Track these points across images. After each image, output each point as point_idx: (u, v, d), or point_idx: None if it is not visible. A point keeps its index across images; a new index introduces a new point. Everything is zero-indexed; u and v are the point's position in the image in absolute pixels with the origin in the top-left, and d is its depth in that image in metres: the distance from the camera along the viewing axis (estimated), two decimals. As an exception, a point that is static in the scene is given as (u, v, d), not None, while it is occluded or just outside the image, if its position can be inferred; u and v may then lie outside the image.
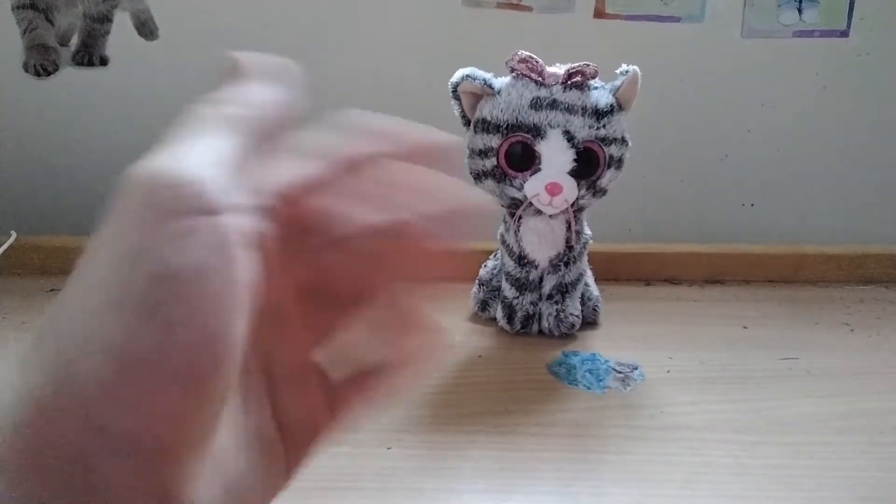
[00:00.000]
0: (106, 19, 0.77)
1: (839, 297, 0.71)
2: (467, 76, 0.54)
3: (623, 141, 0.56)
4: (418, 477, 0.43)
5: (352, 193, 0.21)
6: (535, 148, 0.53)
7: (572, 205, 0.55)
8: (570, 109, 0.53)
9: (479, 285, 0.65)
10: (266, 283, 0.19)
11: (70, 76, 0.78)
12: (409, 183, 0.22)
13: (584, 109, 0.53)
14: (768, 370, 0.57)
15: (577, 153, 0.53)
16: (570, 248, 0.59)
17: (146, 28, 0.77)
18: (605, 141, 0.54)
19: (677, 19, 0.77)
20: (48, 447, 0.15)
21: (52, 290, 0.68)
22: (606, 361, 0.57)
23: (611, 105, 0.54)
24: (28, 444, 0.16)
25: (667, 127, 0.81)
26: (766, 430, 0.48)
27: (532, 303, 0.61)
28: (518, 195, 0.55)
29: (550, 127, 0.53)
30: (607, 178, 0.56)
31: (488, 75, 0.55)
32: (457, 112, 0.57)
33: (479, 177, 0.57)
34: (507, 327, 0.61)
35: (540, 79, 0.54)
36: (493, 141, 0.54)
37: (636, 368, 0.56)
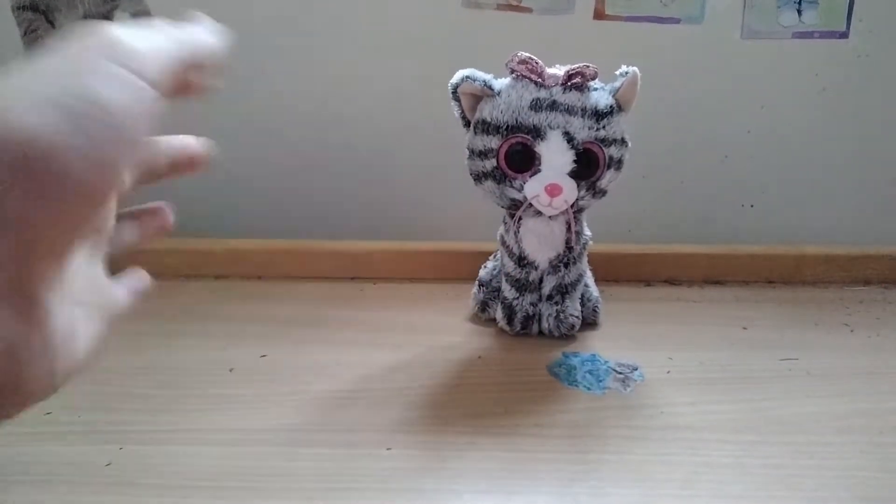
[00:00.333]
0: (106, 20, 0.77)
1: (839, 298, 0.72)
2: (467, 77, 0.54)
3: (623, 142, 0.56)
4: (418, 477, 0.43)
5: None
6: (535, 149, 0.53)
7: (572, 206, 0.55)
8: (569, 110, 0.53)
9: (479, 286, 0.65)
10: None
11: (70, 77, 0.78)
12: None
13: (584, 110, 0.53)
14: (768, 370, 0.57)
15: (577, 154, 0.54)
16: (569, 248, 0.59)
17: (146, 29, 0.77)
18: (605, 142, 0.54)
19: (677, 20, 0.77)
20: None
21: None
22: (606, 362, 0.57)
23: (611, 106, 0.55)
24: None
25: (666, 128, 0.81)
26: (766, 430, 0.48)
27: (532, 304, 0.61)
28: (518, 196, 0.55)
29: (550, 128, 0.53)
30: (607, 179, 0.56)
31: (488, 76, 0.55)
32: (456, 113, 0.57)
33: (478, 178, 0.57)
34: (506, 328, 0.61)
35: (540, 80, 0.54)
36: (493, 142, 0.54)
37: (636, 369, 0.56)
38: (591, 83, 0.55)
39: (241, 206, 0.83)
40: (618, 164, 0.56)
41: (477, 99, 0.56)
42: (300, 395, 0.52)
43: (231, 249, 0.73)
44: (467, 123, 0.57)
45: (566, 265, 0.60)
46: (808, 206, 0.84)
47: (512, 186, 0.55)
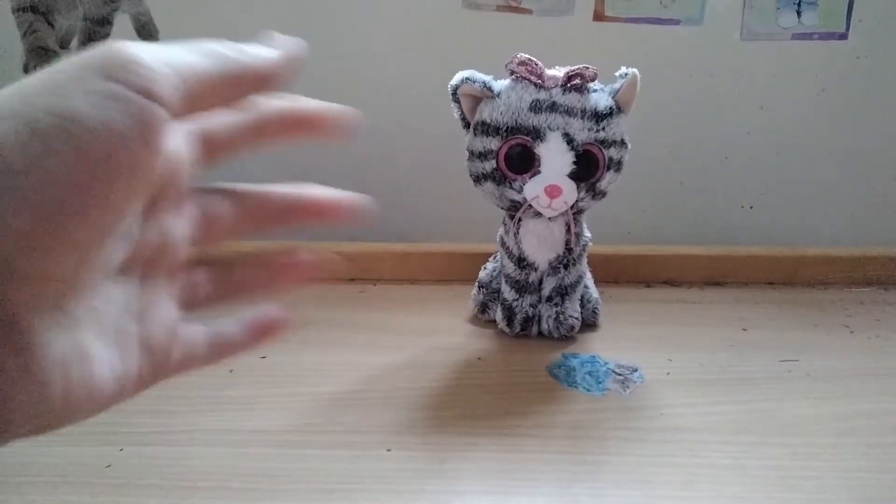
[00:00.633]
0: (106, 22, 0.77)
1: (839, 299, 0.72)
2: (467, 79, 0.54)
3: (622, 143, 0.56)
4: (418, 478, 0.43)
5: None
6: (535, 150, 0.54)
7: (572, 207, 0.56)
8: (569, 112, 0.53)
9: (479, 287, 0.65)
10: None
11: (70, 79, 0.78)
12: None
13: (584, 112, 0.54)
14: (768, 372, 0.57)
15: (577, 155, 0.54)
16: (569, 250, 0.59)
17: (146, 31, 0.77)
18: (605, 143, 0.54)
19: (676, 22, 0.77)
20: None
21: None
22: (606, 363, 0.57)
23: (610, 107, 0.55)
24: None
25: (666, 129, 0.81)
26: (765, 431, 0.48)
27: (532, 305, 0.61)
28: (517, 197, 0.55)
29: (550, 129, 0.53)
30: (607, 181, 0.56)
31: (488, 78, 0.55)
32: (456, 115, 0.57)
33: (478, 179, 0.57)
34: (506, 329, 0.61)
35: (539, 81, 0.54)
36: (493, 143, 0.54)
37: (636, 370, 0.56)
38: (591, 84, 0.55)
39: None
40: (617, 165, 0.56)
41: (477, 100, 0.56)
42: (300, 396, 0.52)
43: (231, 251, 0.73)
44: (467, 125, 0.57)
45: (566, 266, 0.60)
46: (807, 207, 0.85)
47: (511, 188, 0.55)
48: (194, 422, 0.49)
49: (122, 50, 0.19)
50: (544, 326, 0.61)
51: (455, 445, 0.46)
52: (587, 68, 0.54)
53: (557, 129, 0.53)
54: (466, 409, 0.51)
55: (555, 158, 0.53)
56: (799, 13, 0.77)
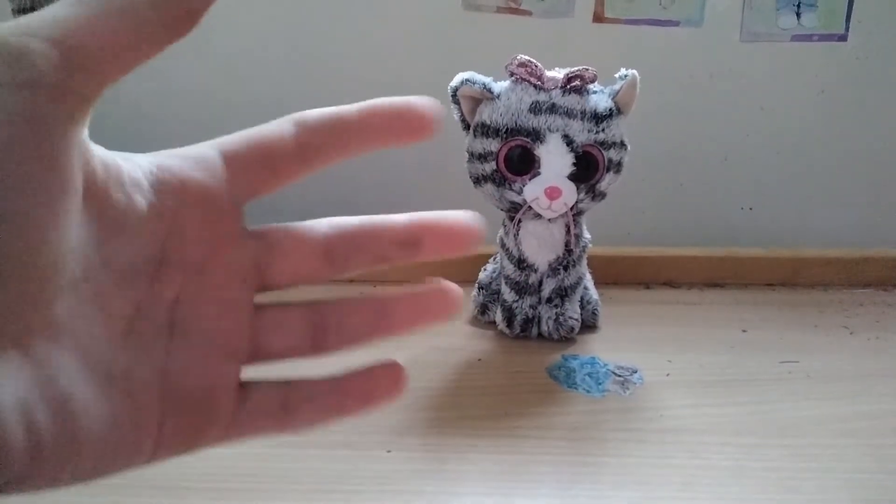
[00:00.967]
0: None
1: (838, 301, 0.72)
2: (467, 80, 0.55)
3: (622, 145, 0.56)
4: (418, 480, 0.43)
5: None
6: (535, 152, 0.54)
7: (571, 208, 0.56)
8: (569, 113, 0.53)
9: (479, 289, 0.65)
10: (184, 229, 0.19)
11: (70, 80, 0.78)
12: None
13: (584, 113, 0.54)
14: (768, 373, 0.57)
15: (577, 157, 0.54)
16: (569, 251, 0.59)
17: (146, 32, 0.77)
18: (605, 145, 0.54)
19: (676, 23, 0.77)
20: None
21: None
22: (606, 365, 0.57)
23: (610, 109, 0.55)
24: None
25: (666, 131, 0.81)
26: (765, 433, 0.48)
27: (531, 306, 0.61)
28: (517, 199, 0.55)
29: (550, 131, 0.53)
30: (606, 182, 0.56)
31: (488, 79, 0.55)
32: (456, 116, 0.57)
33: (478, 180, 0.57)
34: (506, 331, 0.61)
35: (539, 83, 0.54)
36: (493, 145, 0.54)
37: (635, 372, 0.56)
38: (591, 86, 0.55)
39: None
40: (617, 166, 0.56)
41: (476, 102, 0.56)
42: (300, 397, 0.52)
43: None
44: (467, 126, 0.57)
45: (566, 268, 0.60)
46: (807, 208, 0.85)
47: (511, 189, 0.55)
48: (194, 423, 0.49)
49: None
50: (544, 328, 0.61)
51: (455, 446, 0.46)
52: (587, 70, 0.54)
53: (557, 130, 0.53)
54: (466, 410, 0.51)
55: (554, 160, 0.54)
56: (798, 14, 0.77)
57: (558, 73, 0.55)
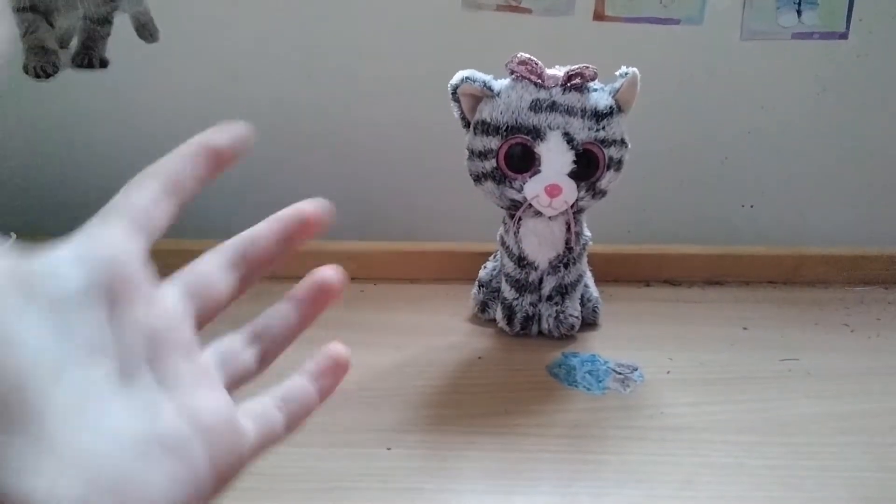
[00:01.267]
0: (106, 21, 0.77)
1: (839, 298, 0.72)
2: (467, 78, 0.54)
3: (622, 142, 0.56)
4: (418, 477, 0.43)
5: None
6: (535, 150, 0.54)
7: (572, 206, 0.56)
8: (569, 111, 0.53)
9: (479, 287, 0.65)
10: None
11: (70, 78, 0.78)
12: None
13: (584, 111, 0.54)
14: (768, 371, 0.57)
15: (577, 155, 0.54)
16: (569, 249, 0.59)
17: (146, 30, 0.77)
18: (605, 143, 0.54)
19: (676, 21, 0.77)
20: None
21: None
22: (606, 362, 0.57)
23: (610, 107, 0.55)
24: None
25: (666, 129, 0.81)
26: (766, 430, 0.48)
27: (532, 304, 0.61)
28: (518, 197, 0.55)
29: (550, 129, 0.53)
30: (607, 180, 0.56)
31: (488, 77, 0.55)
32: (456, 114, 0.57)
33: (478, 178, 0.57)
34: (506, 328, 0.61)
35: (539, 81, 0.54)
36: (493, 143, 0.54)
37: (636, 369, 0.56)
38: (591, 84, 0.55)
39: (241, 207, 0.83)
40: (617, 164, 0.56)
41: (477, 100, 0.56)
42: (300, 395, 0.52)
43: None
44: (467, 124, 0.57)
45: (566, 265, 0.60)
46: (808, 206, 0.84)
47: (512, 187, 0.55)
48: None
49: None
50: (544, 325, 0.61)
51: (455, 444, 0.46)
52: (587, 68, 0.54)
53: (557, 128, 0.53)
54: (466, 407, 0.51)
55: (555, 158, 0.53)
56: (799, 13, 0.77)
57: (559, 71, 0.54)
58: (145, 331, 0.22)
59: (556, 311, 0.60)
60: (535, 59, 0.54)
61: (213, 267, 0.25)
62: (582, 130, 0.53)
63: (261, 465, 0.44)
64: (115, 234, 0.22)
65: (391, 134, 0.81)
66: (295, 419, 0.27)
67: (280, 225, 0.27)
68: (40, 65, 0.78)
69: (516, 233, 0.59)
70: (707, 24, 0.77)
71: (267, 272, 0.27)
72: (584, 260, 0.62)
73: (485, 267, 0.67)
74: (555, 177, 0.54)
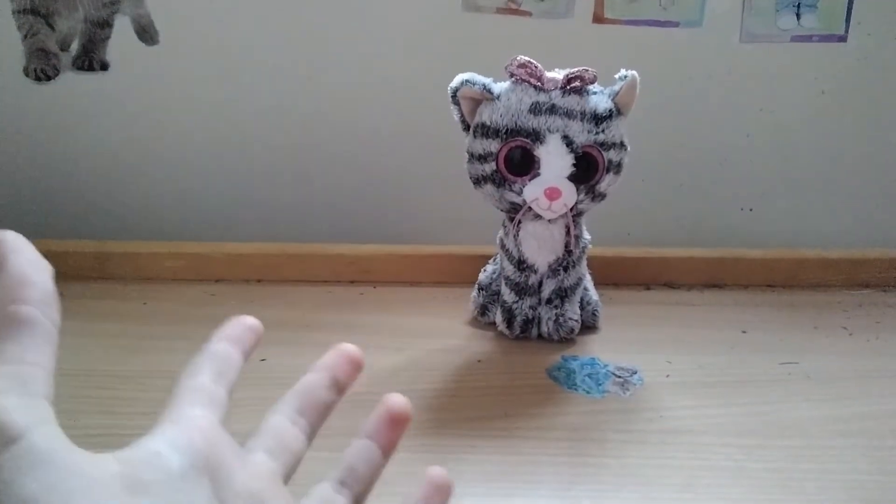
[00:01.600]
0: (106, 24, 0.77)
1: (838, 302, 0.72)
2: (466, 81, 0.55)
3: (622, 145, 0.56)
4: (418, 480, 0.43)
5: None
6: (535, 153, 0.54)
7: (571, 209, 0.56)
8: (569, 114, 0.53)
9: (479, 290, 0.65)
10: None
11: (70, 81, 0.78)
12: None
13: (583, 114, 0.54)
14: (767, 374, 0.57)
15: (577, 158, 0.54)
16: (569, 252, 0.59)
17: (147, 33, 0.77)
18: (604, 146, 0.54)
19: (676, 24, 0.77)
20: None
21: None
22: (606, 365, 0.57)
23: (610, 110, 0.55)
24: None
25: (665, 132, 0.81)
26: (765, 433, 0.48)
27: (531, 307, 0.61)
28: (517, 200, 0.55)
29: (549, 132, 0.53)
30: (606, 183, 0.56)
31: (487, 80, 0.55)
32: (456, 117, 0.57)
33: (478, 181, 0.57)
34: (506, 332, 0.61)
35: (539, 84, 0.54)
36: (493, 146, 0.54)
37: (635, 372, 0.56)
38: (591, 87, 0.55)
39: (241, 210, 0.83)
40: (617, 167, 0.56)
41: (476, 102, 0.56)
42: (300, 398, 0.52)
43: (230, 253, 0.73)
44: (467, 127, 0.57)
45: (565, 269, 0.60)
46: (807, 209, 0.85)
47: (511, 190, 0.55)
48: (194, 424, 0.49)
49: None
50: (544, 329, 0.61)
51: (455, 447, 0.46)
52: (587, 70, 0.54)
53: (557, 131, 0.53)
54: (466, 411, 0.51)
55: (554, 161, 0.54)
56: (798, 15, 0.77)
57: (558, 74, 0.55)
58: (247, 496, 0.24)
59: (556, 314, 0.60)
60: (534, 61, 0.54)
61: (284, 423, 0.29)
62: (581, 133, 0.53)
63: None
64: (195, 413, 0.25)
65: (391, 136, 0.81)
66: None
67: (328, 372, 0.30)
68: (41, 67, 0.78)
69: (516, 236, 0.59)
70: (706, 27, 0.77)
71: (327, 415, 0.31)
72: (584, 263, 0.62)
73: (484, 270, 0.67)
74: (554, 180, 0.54)
